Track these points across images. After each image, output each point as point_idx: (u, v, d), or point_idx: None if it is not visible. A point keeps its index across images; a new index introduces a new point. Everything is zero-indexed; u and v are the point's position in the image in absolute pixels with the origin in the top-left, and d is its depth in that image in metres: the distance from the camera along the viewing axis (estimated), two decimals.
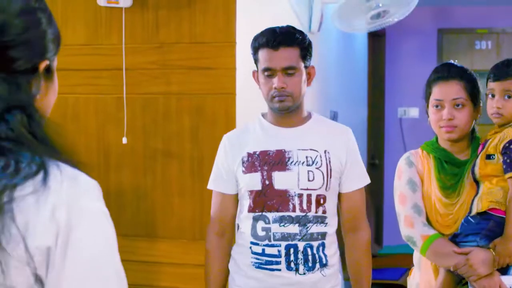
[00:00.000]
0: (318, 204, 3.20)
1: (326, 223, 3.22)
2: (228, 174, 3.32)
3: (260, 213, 3.21)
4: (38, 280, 1.37)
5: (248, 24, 4.18)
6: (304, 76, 3.23)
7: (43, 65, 1.51)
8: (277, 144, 3.25)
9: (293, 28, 3.27)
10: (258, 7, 4.38)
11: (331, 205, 3.26)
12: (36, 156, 1.41)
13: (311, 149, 3.23)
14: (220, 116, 4.06)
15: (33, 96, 1.48)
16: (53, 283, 1.37)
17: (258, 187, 3.21)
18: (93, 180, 1.50)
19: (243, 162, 3.27)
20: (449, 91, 3.22)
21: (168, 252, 4.17)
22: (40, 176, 1.39)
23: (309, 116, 3.36)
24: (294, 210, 3.17)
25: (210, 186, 3.41)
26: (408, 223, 3.24)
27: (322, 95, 6.32)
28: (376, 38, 9.17)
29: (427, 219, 3.26)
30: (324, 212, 3.21)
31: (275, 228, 3.18)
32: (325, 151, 3.23)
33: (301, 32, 3.25)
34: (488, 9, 9.20)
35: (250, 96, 4.15)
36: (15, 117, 1.41)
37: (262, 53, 3.21)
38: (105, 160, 4.28)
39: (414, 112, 9.30)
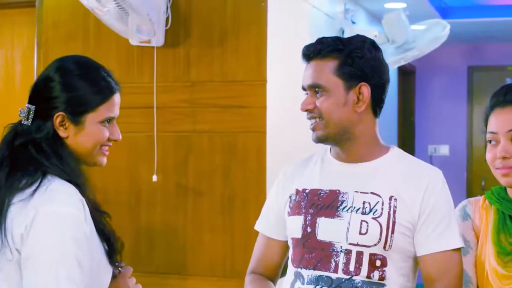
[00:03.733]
0: (372, 266, 2.40)
1: None
2: (277, 216, 2.64)
3: (296, 269, 2.49)
4: (19, 253, 2.07)
5: (279, 62, 4.20)
6: (342, 97, 2.45)
7: (55, 117, 2.21)
8: (332, 182, 2.51)
9: (340, 38, 2.53)
10: (289, 46, 4.40)
11: (394, 271, 2.42)
12: (39, 172, 2.14)
13: (372, 193, 2.44)
14: (251, 154, 4.07)
15: (46, 134, 2.21)
16: (24, 256, 2.06)
17: (298, 234, 2.50)
18: (70, 191, 2.13)
19: (290, 201, 2.58)
20: (504, 120, 2.43)
21: None
22: (33, 188, 2.11)
23: (385, 151, 2.55)
24: (335, 271, 2.41)
25: (256, 226, 2.74)
26: None
27: None
28: (406, 75, 9.17)
29: None
30: (381, 278, 2.40)
31: None
32: (390, 198, 2.42)
33: (350, 42, 2.50)
34: None
35: (281, 135, 4.17)
36: (28, 147, 2.20)
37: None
38: (136, 197, 4.30)
39: (444, 150, 9.25)
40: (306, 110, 2.49)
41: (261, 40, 4.07)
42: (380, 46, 2.56)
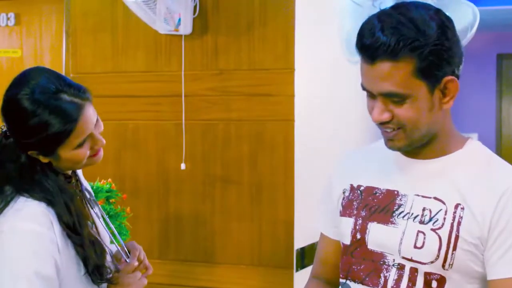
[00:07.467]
0: (428, 287, 1.98)
1: None
2: (333, 211, 2.26)
3: (344, 281, 2.15)
4: None
5: (307, 50, 4.18)
6: (428, 101, 1.98)
7: (30, 153, 2.20)
8: (390, 181, 2.10)
9: (417, 26, 1.91)
10: (317, 34, 4.38)
11: None
12: (14, 193, 2.17)
13: (435, 198, 2.01)
14: (279, 142, 4.06)
15: (22, 165, 2.21)
16: None
17: (347, 240, 2.15)
18: (36, 209, 2.14)
19: (343, 198, 2.21)
20: None
21: (226, 277, 4.17)
22: (1, 207, 2.15)
23: (459, 145, 2.12)
24: (384, 287, 2.04)
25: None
26: None
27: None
28: None
29: None
30: None
31: None
32: (456, 206, 1.97)
33: (423, 32, 1.90)
34: None
35: (309, 123, 4.16)
36: (7, 168, 2.20)
37: (361, 60, 2.02)
38: (165, 185, 4.31)
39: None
40: (382, 124, 2.01)
41: (289, 28, 4.05)
42: None
